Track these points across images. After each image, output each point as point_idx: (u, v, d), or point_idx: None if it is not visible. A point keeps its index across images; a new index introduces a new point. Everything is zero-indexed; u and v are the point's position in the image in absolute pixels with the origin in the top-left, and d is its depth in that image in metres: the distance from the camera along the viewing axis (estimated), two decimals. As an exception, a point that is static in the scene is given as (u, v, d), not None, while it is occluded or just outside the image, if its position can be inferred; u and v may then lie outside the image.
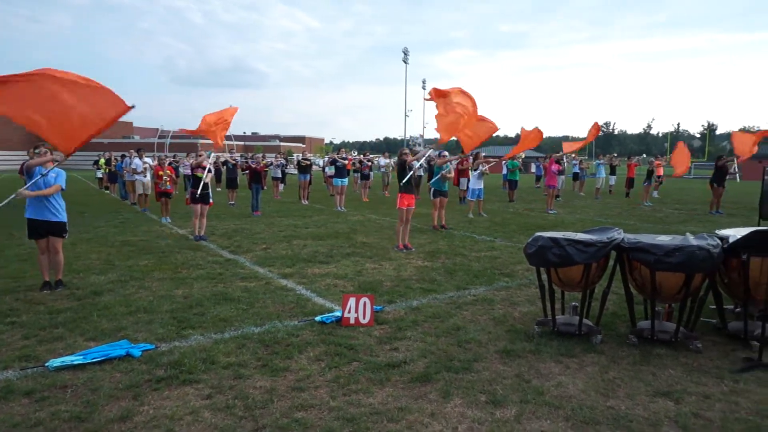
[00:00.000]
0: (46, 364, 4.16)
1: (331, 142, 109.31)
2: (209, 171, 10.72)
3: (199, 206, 10.36)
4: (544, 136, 14.88)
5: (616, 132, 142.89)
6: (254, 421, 3.38)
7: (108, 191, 23.17)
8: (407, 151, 9.73)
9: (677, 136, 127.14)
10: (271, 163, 21.61)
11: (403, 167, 9.38)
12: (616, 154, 26.54)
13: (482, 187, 14.70)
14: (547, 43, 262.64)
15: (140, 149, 17.43)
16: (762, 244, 4.34)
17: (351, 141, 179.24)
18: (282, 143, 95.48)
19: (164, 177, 13.38)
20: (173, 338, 4.82)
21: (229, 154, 18.18)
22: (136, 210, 15.91)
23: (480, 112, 9.91)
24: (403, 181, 9.19)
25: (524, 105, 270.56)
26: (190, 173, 15.70)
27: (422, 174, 9.61)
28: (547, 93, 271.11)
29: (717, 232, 5.17)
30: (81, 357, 4.26)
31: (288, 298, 6.15)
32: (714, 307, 5.08)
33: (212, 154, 11.52)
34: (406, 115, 69.77)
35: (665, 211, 16.86)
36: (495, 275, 7.42)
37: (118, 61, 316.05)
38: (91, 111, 5.73)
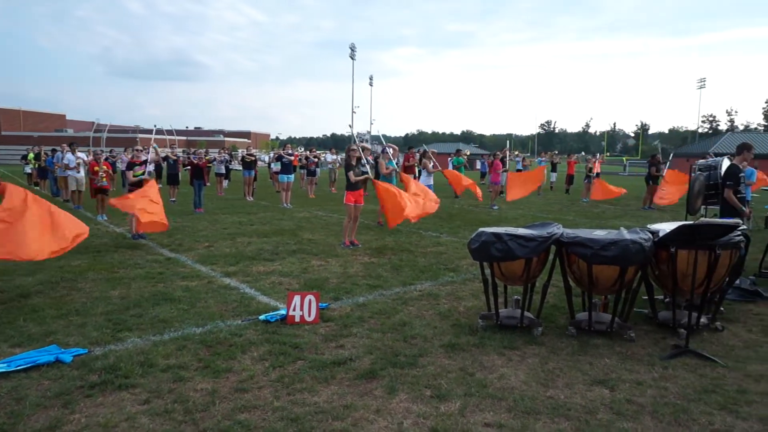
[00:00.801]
0: (-34, 373, 3.88)
1: (277, 138, 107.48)
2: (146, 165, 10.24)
3: None
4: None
5: (556, 130, 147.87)
6: (195, 425, 3.28)
7: (38, 187, 21.92)
8: (355, 147, 9.69)
9: (614, 135, 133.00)
10: (215, 159, 21.03)
11: (349, 165, 9.32)
12: (556, 152, 27.50)
13: (432, 183, 14.72)
14: (492, 43, 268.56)
15: (73, 143, 16.53)
16: (688, 237, 4.58)
17: (298, 137, 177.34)
18: (226, 138, 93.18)
19: (100, 173, 12.79)
20: (108, 341, 4.61)
21: (169, 149, 17.55)
22: (70, 207, 15.12)
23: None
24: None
25: (470, 103, 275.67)
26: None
27: (368, 171, 9.57)
28: (491, 92, 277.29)
29: (648, 226, 5.42)
30: (5, 365, 4.00)
31: (231, 297, 6.00)
32: (646, 297, 5.33)
33: (154, 148, 11.05)
34: (353, 112, 69.52)
35: (602, 206, 17.57)
36: (440, 270, 7.51)
37: (49, 51, 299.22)
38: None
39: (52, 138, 56.94)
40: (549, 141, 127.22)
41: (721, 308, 5.46)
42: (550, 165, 24.74)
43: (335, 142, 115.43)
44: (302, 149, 27.44)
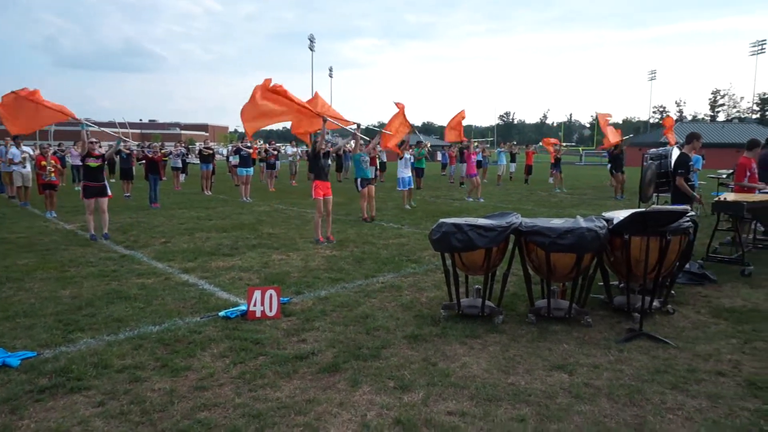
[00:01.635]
0: None
1: (236, 131, 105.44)
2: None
3: (93, 200, 9.18)
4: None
5: (515, 121, 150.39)
6: (152, 425, 3.18)
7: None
8: (319, 139, 9.56)
9: (570, 126, 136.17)
10: (171, 153, 20.50)
11: (315, 156, 9.08)
12: (515, 142, 27.96)
13: (410, 174, 14.26)
14: (452, 35, 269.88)
15: (17, 137, 15.78)
16: (640, 224, 4.72)
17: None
18: (183, 131, 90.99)
19: (48, 168, 12.27)
20: (59, 343, 4.42)
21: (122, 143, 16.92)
22: (15, 204, 14.47)
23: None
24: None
25: (430, 95, 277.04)
26: (80, 163, 14.48)
27: (330, 163, 9.43)
28: (451, 83, 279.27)
29: (603, 214, 5.57)
30: (-54, 371, 3.79)
31: (189, 294, 5.86)
32: (602, 283, 5.47)
33: (119, 143, 10.54)
34: (313, 103, 68.79)
35: (560, 195, 17.99)
36: (403, 262, 7.53)
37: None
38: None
39: (-5, 132, 54.30)
40: (508, 132, 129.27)
41: (672, 292, 5.67)
42: (509, 155, 25.15)
43: (295, 135, 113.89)
44: (261, 142, 27.04)
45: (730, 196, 7.60)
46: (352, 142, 12.12)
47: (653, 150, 11.92)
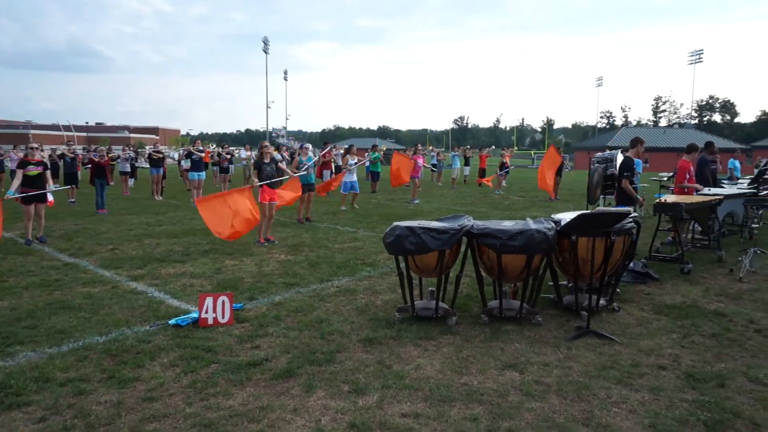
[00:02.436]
0: None
1: (188, 134, 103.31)
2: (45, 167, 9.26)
3: (32, 206, 8.93)
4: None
5: (469, 126, 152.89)
6: (97, 440, 3.07)
7: None
8: (267, 143, 9.49)
9: (522, 130, 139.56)
10: (119, 157, 19.82)
11: (261, 163, 9.11)
12: (469, 146, 28.41)
13: (356, 179, 14.64)
14: (406, 40, 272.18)
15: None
16: (586, 226, 4.89)
17: (210, 133, 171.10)
18: (132, 135, 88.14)
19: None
20: (-4, 357, 4.21)
21: (65, 146, 16.28)
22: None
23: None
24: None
25: (386, 99, 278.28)
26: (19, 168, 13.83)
27: (275, 169, 9.44)
28: (407, 88, 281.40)
29: (552, 216, 5.73)
30: None
31: (138, 302, 5.68)
32: (552, 283, 5.63)
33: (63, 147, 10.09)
34: (268, 107, 68.11)
35: (512, 198, 18.40)
36: (358, 265, 7.53)
37: None
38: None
39: (-74, 135, 51.13)
40: (462, 136, 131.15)
41: (618, 290, 5.89)
42: (463, 159, 25.52)
43: (250, 138, 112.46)
44: (214, 146, 26.50)
45: (670, 198, 7.97)
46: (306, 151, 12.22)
47: (599, 154, 12.38)
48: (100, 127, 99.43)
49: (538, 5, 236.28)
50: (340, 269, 7.27)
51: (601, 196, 11.33)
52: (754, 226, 9.40)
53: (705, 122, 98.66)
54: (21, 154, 13.18)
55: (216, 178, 21.14)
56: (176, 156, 36.56)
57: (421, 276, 5.45)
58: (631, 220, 5.21)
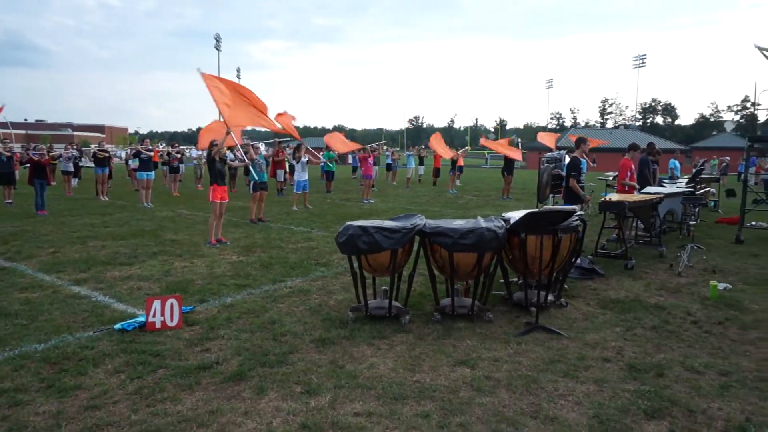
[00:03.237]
0: None
1: (136, 132, 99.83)
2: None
3: None
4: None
5: (424, 125, 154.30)
6: (35, 452, 2.93)
7: None
8: (218, 142, 9.29)
9: (476, 130, 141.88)
10: (61, 155, 18.99)
11: (212, 160, 8.95)
12: (424, 146, 28.65)
13: (307, 178, 14.51)
14: (361, 39, 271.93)
15: None
16: (535, 224, 5.02)
17: (160, 131, 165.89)
18: (76, 132, 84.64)
19: None
20: (-77, 368, 3.96)
21: (0, 145, 15.42)
22: None
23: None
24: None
25: (341, 98, 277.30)
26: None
27: (225, 168, 9.32)
28: (362, 87, 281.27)
29: (502, 215, 5.85)
30: None
31: (81, 307, 5.46)
32: (502, 281, 5.75)
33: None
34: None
35: (466, 197, 18.69)
36: (311, 266, 7.47)
37: None
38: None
39: None
40: (417, 136, 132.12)
41: (566, 286, 6.08)
42: (417, 159, 25.74)
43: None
44: (163, 145, 25.76)
45: (615, 197, 8.28)
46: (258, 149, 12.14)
47: (549, 154, 12.73)
48: (40, 124, 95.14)
49: (491, 7, 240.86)
50: (293, 270, 7.20)
51: (550, 195, 11.67)
52: (691, 223, 9.88)
53: (648, 124, 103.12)
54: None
55: (165, 178, 20.55)
56: (123, 155, 35.32)
57: (374, 275, 5.46)
58: (577, 218, 5.38)
